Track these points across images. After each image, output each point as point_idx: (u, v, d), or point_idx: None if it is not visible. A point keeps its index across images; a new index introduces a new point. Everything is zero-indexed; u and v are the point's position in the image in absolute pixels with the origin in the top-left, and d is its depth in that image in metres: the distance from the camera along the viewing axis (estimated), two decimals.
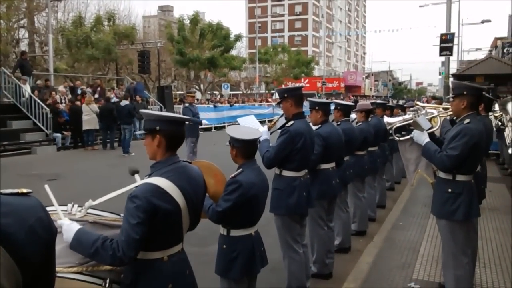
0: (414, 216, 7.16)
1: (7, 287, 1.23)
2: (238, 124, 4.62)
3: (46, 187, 2.41)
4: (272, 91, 44.69)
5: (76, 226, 2.24)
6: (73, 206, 2.37)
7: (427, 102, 17.85)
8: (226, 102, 30.30)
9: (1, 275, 1.22)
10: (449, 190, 3.77)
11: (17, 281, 1.27)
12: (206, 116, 22.03)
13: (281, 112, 4.42)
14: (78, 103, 16.86)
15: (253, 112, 24.66)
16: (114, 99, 17.82)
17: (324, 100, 5.84)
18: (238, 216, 3.10)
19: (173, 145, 2.37)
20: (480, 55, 43.63)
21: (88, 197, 2.49)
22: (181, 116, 2.43)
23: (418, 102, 9.42)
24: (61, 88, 19.39)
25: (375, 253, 5.51)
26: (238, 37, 37.63)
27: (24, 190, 1.40)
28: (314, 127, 4.65)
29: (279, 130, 4.17)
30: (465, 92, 3.78)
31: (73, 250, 2.19)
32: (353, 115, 6.72)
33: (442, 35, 19.43)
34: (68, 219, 2.29)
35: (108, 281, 2.31)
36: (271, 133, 4.36)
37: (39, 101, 16.53)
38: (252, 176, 3.14)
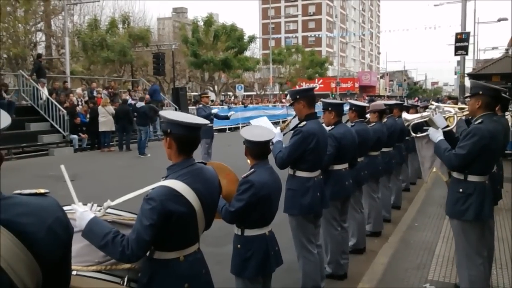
0: (430, 217, 7.12)
1: (30, 284, 1.27)
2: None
3: (62, 167, 2.48)
4: (286, 92, 44.63)
5: (89, 215, 2.29)
6: (92, 205, 2.43)
7: (443, 102, 17.67)
8: (240, 103, 30.39)
9: (24, 273, 1.26)
10: (460, 190, 3.78)
11: (38, 279, 1.31)
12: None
13: (295, 112, 4.44)
14: (91, 104, 17.13)
15: (267, 113, 24.74)
16: (130, 101, 18.00)
17: (337, 101, 5.85)
18: (251, 216, 3.13)
19: (184, 148, 2.37)
20: (497, 54, 43.05)
21: (104, 197, 2.54)
22: (190, 121, 2.36)
23: (433, 102, 9.35)
24: (78, 90, 19.65)
25: (390, 254, 5.50)
26: (251, 38, 37.62)
27: (42, 191, 1.44)
28: (327, 128, 4.66)
29: (292, 131, 4.20)
30: (480, 92, 3.76)
31: (85, 238, 2.24)
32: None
33: (457, 34, 19.17)
34: (92, 213, 2.34)
35: (126, 279, 2.36)
36: (284, 134, 4.39)
37: (56, 103, 16.78)
38: (264, 176, 3.17)
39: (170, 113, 2.42)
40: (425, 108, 8.01)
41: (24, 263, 1.26)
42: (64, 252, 1.43)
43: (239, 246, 3.21)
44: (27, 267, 1.27)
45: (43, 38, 30.33)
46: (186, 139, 2.35)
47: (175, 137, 2.34)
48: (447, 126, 4.17)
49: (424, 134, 4.37)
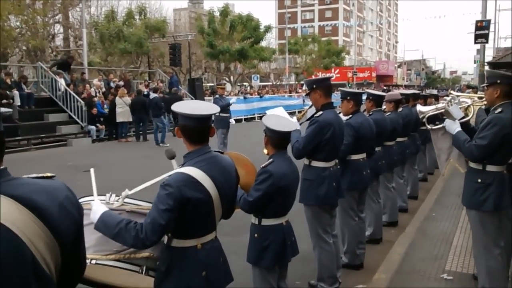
0: (447, 207, 7.05)
1: (50, 262, 1.30)
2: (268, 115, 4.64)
3: (91, 171, 2.52)
4: (302, 82, 44.41)
5: (102, 208, 2.31)
6: (111, 195, 2.46)
7: (462, 91, 17.42)
8: (256, 93, 30.36)
9: (44, 250, 1.28)
10: (479, 180, 3.72)
11: (57, 258, 1.33)
12: (237, 108, 22.11)
13: (311, 103, 4.42)
14: (111, 96, 17.31)
15: (283, 103, 24.66)
16: (145, 92, 18.15)
17: (356, 90, 5.81)
18: (269, 206, 3.14)
19: (190, 138, 2.38)
20: None
21: (122, 187, 2.57)
22: (188, 112, 2.33)
23: (452, 91, 9.23)
24: (95, 81, 19.84)
25: (407, 244, 5.47)
26: (267, 28, 37.48)
27: (49, 174, 1.47)
28: (345, 118, 4.63)
29: (308, 121, 4.17)
30: (498, 81, 3.69)
31: (97, 230, 2.26)
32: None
33: (477, 22, 18.82)
34: (106, 207, 2.37)
35: (144, 268, 2.39)
36: (300, 124, 4.37)
37: (74, 94, 16.97)
38: (282, 166, 3.17)
39: (181, 103, 2.44)
40: (444, 96, 7.89)
41: (43, 240, 1.28)
42: (77, 231, 1.44)
43: (256, 235, 3.21)
44: (47, 245, 1.29)
45: (61, 30, 30.75)
46: (189, 129, 2.36)
47: (180, 127, 2.39)
48: (464, 117, 4.10)
49: (440, 126, 4.29)
